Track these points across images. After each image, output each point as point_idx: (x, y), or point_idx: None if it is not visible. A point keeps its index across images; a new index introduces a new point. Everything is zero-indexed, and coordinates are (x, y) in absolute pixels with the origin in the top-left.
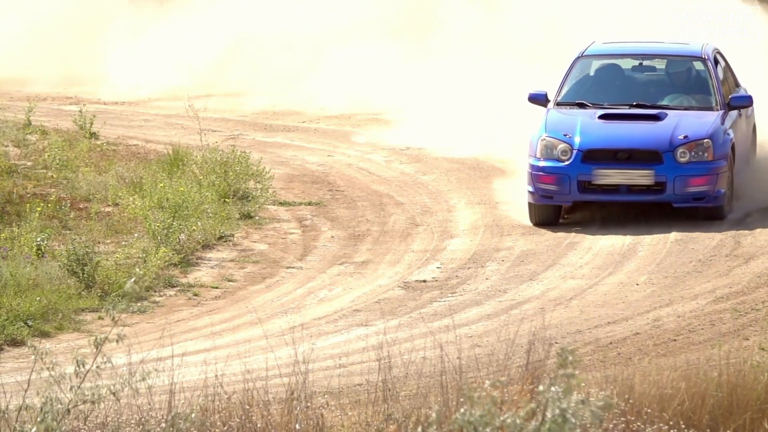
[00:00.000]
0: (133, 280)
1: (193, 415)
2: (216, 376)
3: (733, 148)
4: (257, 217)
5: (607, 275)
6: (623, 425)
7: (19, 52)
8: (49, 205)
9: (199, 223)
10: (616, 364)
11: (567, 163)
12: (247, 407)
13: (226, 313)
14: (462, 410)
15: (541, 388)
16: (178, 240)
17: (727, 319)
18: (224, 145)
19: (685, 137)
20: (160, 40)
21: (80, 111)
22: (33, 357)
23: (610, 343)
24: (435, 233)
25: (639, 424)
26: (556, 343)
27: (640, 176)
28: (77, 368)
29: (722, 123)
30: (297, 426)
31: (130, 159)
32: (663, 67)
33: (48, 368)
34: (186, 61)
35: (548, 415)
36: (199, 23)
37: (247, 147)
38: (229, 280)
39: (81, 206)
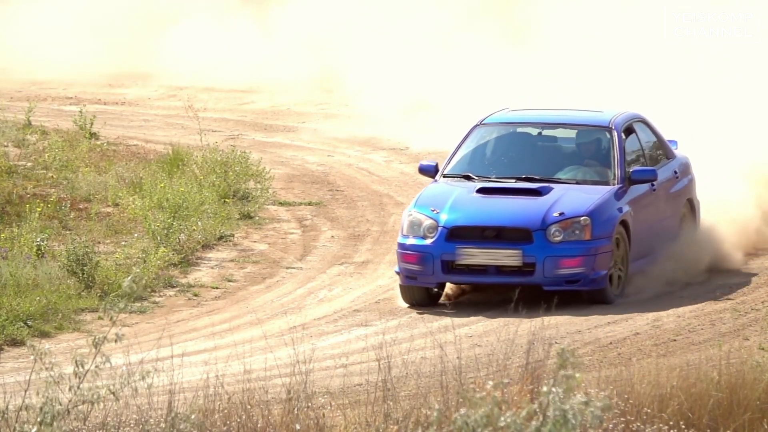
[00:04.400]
0: (131, 278)
1: (193, 416)
2: (216, 376)
3: (625, 225)
4: (257, 217)
5: None
6: (623, 425)
7: (80, 48)
8: (49, 205)
9: (199, 223)
10: (615, 364)
11: (431, 241)
12: (248, 407)
13: (226, 313)
14: (462, 411)
15: (544, 389)
16: (178, 240)
17: (727, 319)
18: (224, 145)
19: (560, 214)
20: (228, 35)
21: (80, 111)
22: (32, 357)
23: (610, 343)
24: None
25: (638, 424)
26: (556, 343)
27: (508, 256)
28: (76, 368)
29: (616, 199)
30: (297, 426)
31: (130, 159)
32: (568, 136)
33: (47, 368)
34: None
35: (549, 415)
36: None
37: (247, 147)
38: (229, 281)
39: (81, 206)
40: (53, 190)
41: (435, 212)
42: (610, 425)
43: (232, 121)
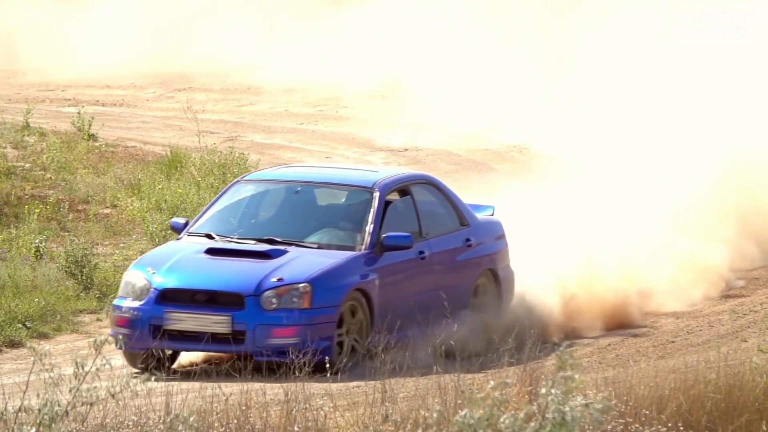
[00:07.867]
0: None
1: (191, 418)
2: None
3: (365, 293)
4: None
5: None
6: (622, 427)
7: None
8: (48, 206)
9: None
10: (614, 366)
11: (141, 303)
12: (245, 408)
13: None
14: (463, 412)
15: (543, 391)
16: None
17: (725, 321)
18: (222, 146)
19: (279, 280)
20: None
21: (79, 113)
22: (32, 358)
23: (608, 344)
24: None
25: (637, 425)
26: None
27: (216, 323)
28: (76, 370)
29: (362, 265)
30: (296, 428)
31: (128, 161)
32: (336, 195)
33: (47, 370)
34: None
35: (548, 417)
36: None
37: (246, 148)
38: None
39: (79, 208)
40: (52, 191)
41: (151, 273)
42: (609, 427)
43: (231, 122)
